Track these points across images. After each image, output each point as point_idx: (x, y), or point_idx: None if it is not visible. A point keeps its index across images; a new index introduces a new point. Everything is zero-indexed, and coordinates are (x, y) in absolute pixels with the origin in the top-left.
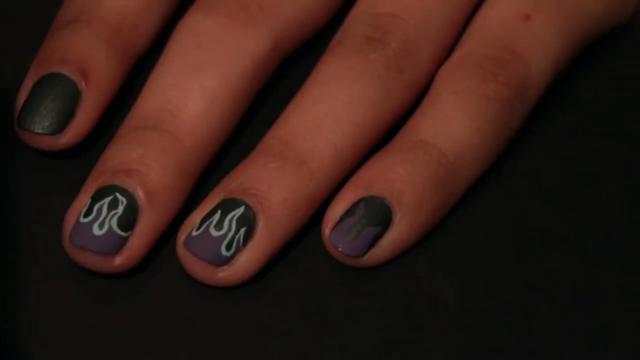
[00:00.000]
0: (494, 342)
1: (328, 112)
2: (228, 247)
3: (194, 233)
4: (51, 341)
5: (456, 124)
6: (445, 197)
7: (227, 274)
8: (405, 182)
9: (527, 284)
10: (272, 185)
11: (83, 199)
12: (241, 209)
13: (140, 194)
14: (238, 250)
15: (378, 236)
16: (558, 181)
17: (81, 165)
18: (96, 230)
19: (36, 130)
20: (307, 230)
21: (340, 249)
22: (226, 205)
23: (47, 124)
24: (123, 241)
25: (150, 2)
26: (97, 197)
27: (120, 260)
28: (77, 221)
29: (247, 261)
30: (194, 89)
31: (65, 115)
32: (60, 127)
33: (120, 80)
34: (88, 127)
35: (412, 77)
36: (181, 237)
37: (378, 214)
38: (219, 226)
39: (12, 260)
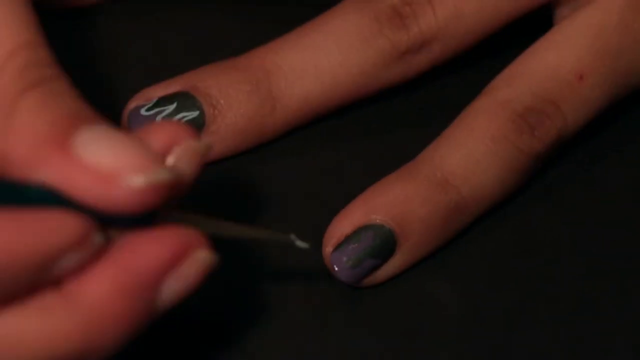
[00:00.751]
0: (495, 346)
1: (317, 64)
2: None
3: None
4: None
5: (484, 172)
6: (452, 235)
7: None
8: (418, 220)
9: (528, 289)
10: (232, 104)
11: None
12: (194, 113)
13: None
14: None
15: (377, 266)
16: (560, 186)
17: None
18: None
19: None
20: (308, 231)
21: (337, 273)
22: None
23: None
24: None
25: None
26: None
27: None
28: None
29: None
30: None
31: None
32: None
33: None
34: None
35: (415, 61)
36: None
37: (384, 247)
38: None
39: None
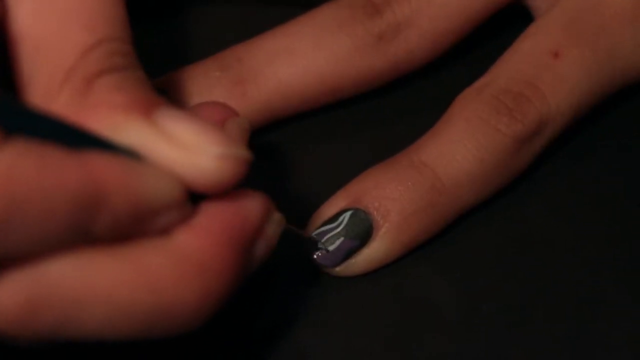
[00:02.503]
0: (494, 347)
1: (288, 48)
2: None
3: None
4: None
5: (459, 151)
6: (434, 221)
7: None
8: (393, 201)
9: (526, 289)
10: (201, 91)
11: None
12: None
13: None
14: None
15: (355, 250)
16: (558, 186)
17: None
18: None
19: None
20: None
21: (314, 255)
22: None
23: None
24: None
25: None
26: None
27: None
28: None
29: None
30: None
31: None
32: None
33: None
34: None
35: (392, 49)
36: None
37: (359, 228)
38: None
39: None
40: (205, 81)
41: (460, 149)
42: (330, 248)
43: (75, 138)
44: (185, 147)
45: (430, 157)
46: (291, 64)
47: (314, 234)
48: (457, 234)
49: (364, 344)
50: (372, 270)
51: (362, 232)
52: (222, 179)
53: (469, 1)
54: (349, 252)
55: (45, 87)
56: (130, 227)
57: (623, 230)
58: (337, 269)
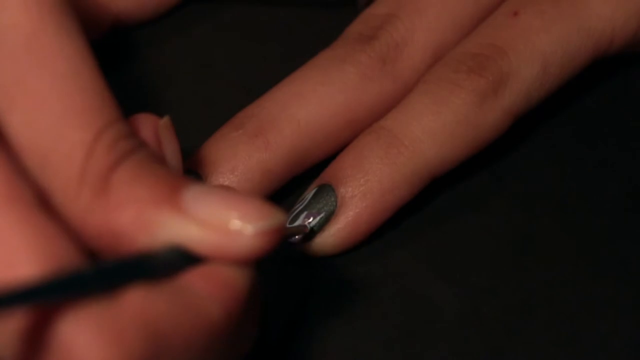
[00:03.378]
0: (494, 347)
1: (298, 91)
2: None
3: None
4: None
5: (416, 109)
6: (398, 181)
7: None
8: (352, 168)
9: (526, 290)
10: (225, 154)
11: None
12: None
13: None
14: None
15: (322, 221)
16: (560, 185)
17: None
18: None
19: None
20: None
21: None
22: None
23: None
24: None
25: None
26: None
27: None
28: None
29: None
30: None
31: None
32: None
33: None
34: None
35: (398, 69)
36: None
37: (322, 201)
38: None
39: None
40: (226, 144)
41: (417, 106)
42: (295, 223)
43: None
44: (221, 230)
45: (387, 121)
46: (305, 104)
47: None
48: (457, 234)
49: (364, 345)
50: (347, 244)
51: (326, 204)
52: (262, 252)
53: (460, 8)
54: (319, 225)
55: (63, 194)
56: None
57: (623, 230)
58: (317, 239)
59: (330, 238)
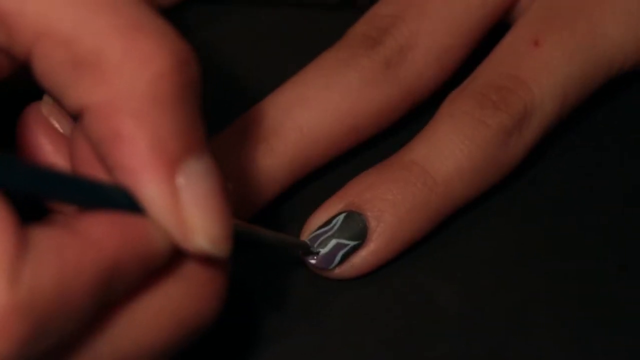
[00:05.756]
0: (495, 347)
1: (300, 95)
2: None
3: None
4: None
5: (446, 147)
6: (427, 219)
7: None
8: (385, 201)
9: (528, 290)
10: (231, 161)
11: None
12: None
13: None
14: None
15: (350, 251)
16: (560, 187)
17: None
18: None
19: None
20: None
21: (310, 260)
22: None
23: None
24: None
25: None
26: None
27: None
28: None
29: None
30: None
31: None
32: None
33: None
34: None
35: (402, 74)
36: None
37: (353, 229)
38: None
39: None
40: (231, 149)
41: (448, 144)
42: (324, 250)
43: (81, 191)
44: (183, 223)
45: (419, 155)
46: (308, 109)
47: (307, 239)
48: (457, 234)
49: (365, 345)
50: (369, 271)
51: (356, 233)
52: (209, 255)
53: (466, 12)
54: (344, 255)
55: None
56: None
57: (624, 230)
58: (336, 271)
59: (358, 266)
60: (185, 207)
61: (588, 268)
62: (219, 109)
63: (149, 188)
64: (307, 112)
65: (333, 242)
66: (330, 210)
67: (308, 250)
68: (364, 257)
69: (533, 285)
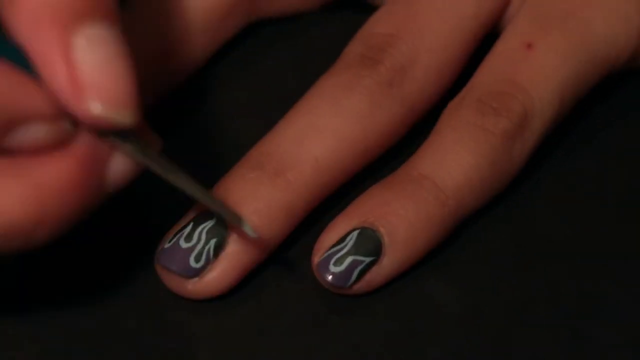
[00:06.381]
0: (495, 347)
1: (311, 124)
2: (197, 259)
3: (165, 246)
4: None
5: (453, 159)
6: (440, 231)
7: (196, 287)
8: (399, 217)
9: (528, 290)
10: (246, 196)
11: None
12: (212, 221)
13: None
14: (208, 263)
15: (366, 268)
16: (559, 188)
17: None
18: None
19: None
20: (310, 234)
21: (325, 278)
22: (198, 218)
23: None
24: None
25: None
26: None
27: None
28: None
29: (216, 275)
30: None
31: None
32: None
33: None
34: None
35: (405, 92)
36: (158, 251)
37: (368, 246)
38: (188, 238)
39: None
40: (246, 186)
41: (454, 156)
42: (340, 268)
43: None
44: (75, 84)
45: (427, 169)
46: (322, 139)
47: (322, 258)
48: (457, 235)
49: (365, 345)
50: (383, 285)
51: (371, 249)
52: (89, 125)
53: (460, 25)
54: (361, 271)
55: None
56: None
57: (624, 230)
58: (354, 287)
59: (376, 281)
60: (81, 67)
61: (587, 268)
62: (219, 109)
63: (40, 43)
64: (321, 143)
65: (349, 259)
66: (342, 227)
67: (239, 223)
68: (379, 273)
69: (533, 285)
